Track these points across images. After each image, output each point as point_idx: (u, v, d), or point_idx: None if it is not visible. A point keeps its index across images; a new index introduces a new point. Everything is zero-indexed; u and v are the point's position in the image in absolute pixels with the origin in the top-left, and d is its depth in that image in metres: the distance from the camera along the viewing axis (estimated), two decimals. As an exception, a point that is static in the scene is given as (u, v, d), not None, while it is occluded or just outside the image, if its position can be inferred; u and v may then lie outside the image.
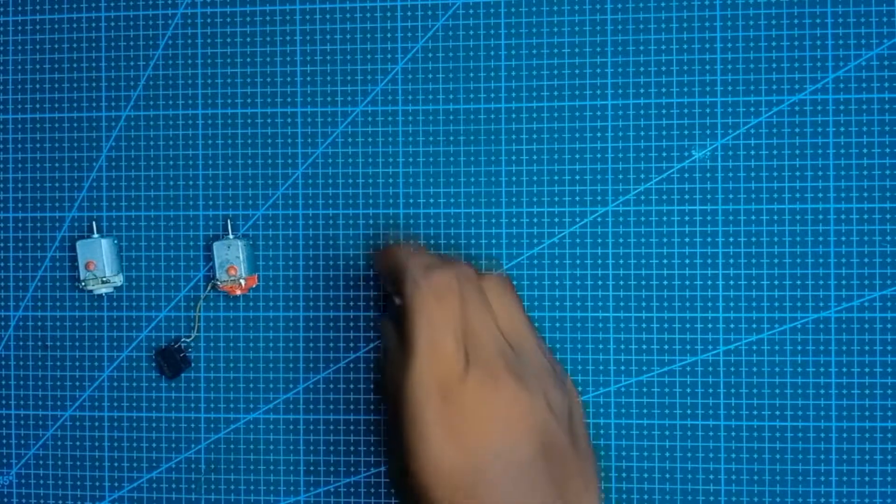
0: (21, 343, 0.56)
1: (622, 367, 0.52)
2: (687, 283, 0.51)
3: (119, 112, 0.55)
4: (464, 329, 0.41)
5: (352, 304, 0.53)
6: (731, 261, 0.51)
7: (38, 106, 0.55)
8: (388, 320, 0.46)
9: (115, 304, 0.55)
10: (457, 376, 0.40)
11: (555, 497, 0.39)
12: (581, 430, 0.43)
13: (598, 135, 0.52)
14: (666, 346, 0.52)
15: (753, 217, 0.51)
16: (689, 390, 0.51)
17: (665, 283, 0.52)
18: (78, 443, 0.55)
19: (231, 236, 0.53)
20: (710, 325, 0.51)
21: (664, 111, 0.52)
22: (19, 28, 0.55)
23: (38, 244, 0.55)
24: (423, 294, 0.41)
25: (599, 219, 0.52)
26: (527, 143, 0.52)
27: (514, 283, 0.52)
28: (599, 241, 0.52)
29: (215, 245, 0.52)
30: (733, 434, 0.51)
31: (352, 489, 0.53)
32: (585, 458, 0.42)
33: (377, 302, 0.53)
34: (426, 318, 0.40)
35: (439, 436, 0.39)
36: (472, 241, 0.53)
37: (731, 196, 0.51)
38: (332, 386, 0.54)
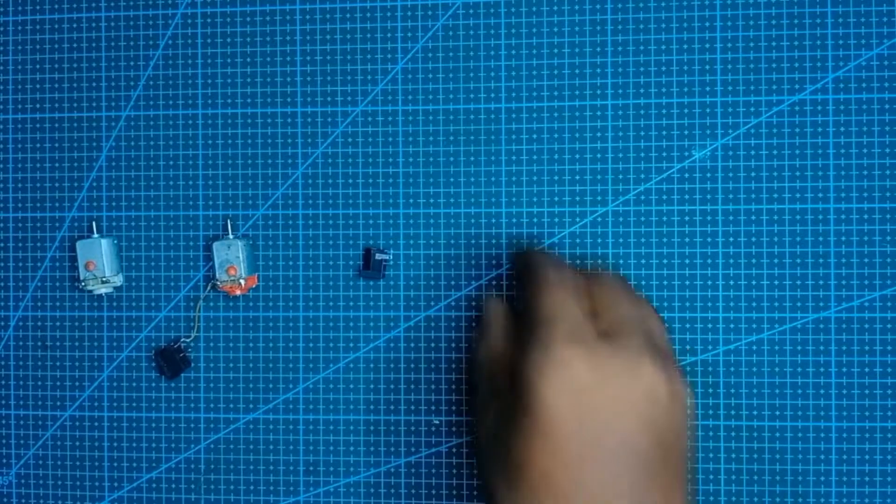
0: (21, 343, 0.56)
1: (622, 367, 0.52)
2: (687, 283, 0.51)
3: (119, 112, 0.55)
4: (598, 314, 0.42)
5: (352, 304, 0.53)
6: (731, 261, 0.51)
7: (38, 106, 0.55)
8: (498, 303, 0.47)
9: (115, 304, 0.55)
10: (589, 348, 0.40)
11: (648, 488, 0.39)
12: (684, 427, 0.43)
13: (598, 135, 0.52)
14: (666, 346, 0.51)
15: (753, 217, 0.51)
16: (688, 390, 0.51)
17: (665, 283, 0.52)
18: (78, 443, 0.55)
19: (231, 236, 0.53)
20: (710, 325, 0.51)
21: (664, 111, 0.51)
22: (19, 28, 0.55)
23: (38, 244, 0.55)
24: (555, 287, 0.42)
25: (599, 219, 0.52)
26: (527, 143, 0.52)
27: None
28: (599, 241, 0.52)
29: (215, 245, 0.52)
30: (733, 434, 0.51)
31: (352, 489, 0.53)
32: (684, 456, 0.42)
33: (377, 302, 0.53)
34: (560, 305, 0.41)
35: (565, 409, 0.38)
36: (473, 241, 0.53)
37: (731, 196, 0.51)
38: (331, 386, 0.54)
